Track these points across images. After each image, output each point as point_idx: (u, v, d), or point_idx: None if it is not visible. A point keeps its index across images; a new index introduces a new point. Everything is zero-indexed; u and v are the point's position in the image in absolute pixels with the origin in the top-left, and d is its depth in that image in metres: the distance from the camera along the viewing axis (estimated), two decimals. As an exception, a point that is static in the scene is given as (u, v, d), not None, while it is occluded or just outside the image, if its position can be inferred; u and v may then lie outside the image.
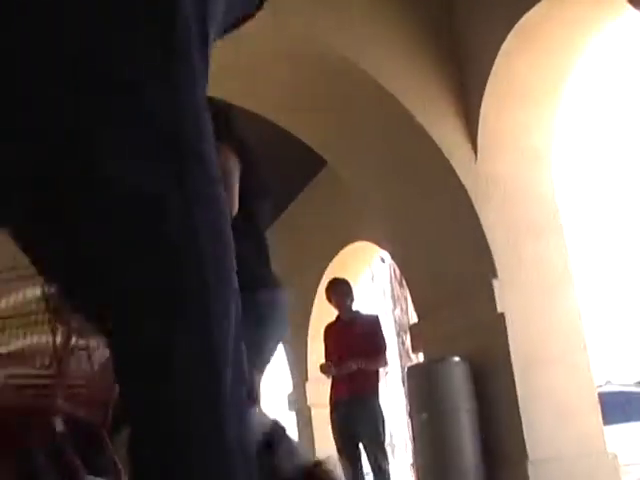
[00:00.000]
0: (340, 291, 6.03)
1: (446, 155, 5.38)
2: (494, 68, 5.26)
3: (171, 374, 0.77)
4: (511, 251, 5.31)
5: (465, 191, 5.35)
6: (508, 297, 5.18)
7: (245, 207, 2.55)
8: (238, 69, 5.60)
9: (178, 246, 0.77)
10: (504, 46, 5.16)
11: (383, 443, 5.79)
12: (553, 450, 4.89)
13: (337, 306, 6.02)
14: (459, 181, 5.36)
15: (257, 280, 2.50)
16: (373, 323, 5.94)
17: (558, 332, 5.23)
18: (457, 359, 5.19)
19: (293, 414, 8.94)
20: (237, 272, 0.88)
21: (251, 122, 7.15)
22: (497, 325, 5.13)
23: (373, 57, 5.38)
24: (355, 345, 5.71)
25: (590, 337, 5.43)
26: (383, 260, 8.65)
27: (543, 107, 5.52)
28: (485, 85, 5.32)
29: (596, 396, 5.23)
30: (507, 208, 5.39)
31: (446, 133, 5.43)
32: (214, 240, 0.81)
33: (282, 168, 8.36)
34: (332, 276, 6.82)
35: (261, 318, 2.45)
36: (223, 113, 2.78)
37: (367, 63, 5.34)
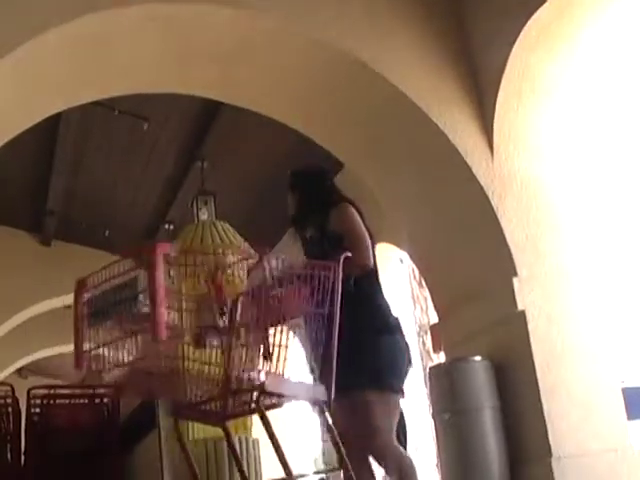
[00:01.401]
0: None
1: (462, 154, 5.38)
2: (508, 65, 5.25)
3: None
4: (530, 248, 5.30)
5: (482, 189, 5.34)
6: (528, 294, 5.16)
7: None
8: (261, 82, 5.65)
9: None
10: (517, 43, 5.16)
11: (404, 447, 5.73)
12: (577, 446, 4.87)
13: None
14: (476, 179, 5.36)
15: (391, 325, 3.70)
16: None
17: (580, 328, 5.21)
18: (478, 358, 5.17)
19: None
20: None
21: (263, 127, 7.21)
22: (518, 323, 5.11)
23: (385, 58, 5.38)
24: None
25: (613, 331, 5.40)
26: (402, 261, 8.62)
27: (558, 103, 5.51)
28: (499, 83, 5.32)
29: (620, 391, 5.21)
30: (525, 205, 5.38)
31: (461, 131, 5.43)
32: None
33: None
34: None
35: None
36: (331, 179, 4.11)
37: (380, 64, 5.34)
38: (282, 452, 2.90)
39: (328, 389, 3.10)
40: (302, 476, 3.10)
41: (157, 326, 2.74)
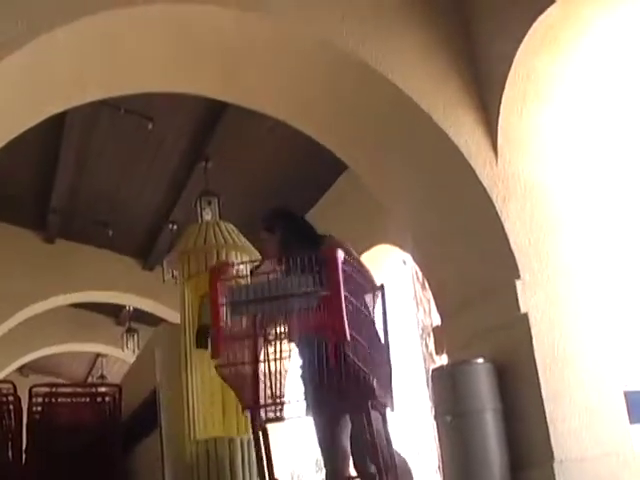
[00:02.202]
0: None
1: (466, 156, 5.38)
2: (512, 69, 5.25)
3: None
4: (533, 251, 5.30)
5: (486, 192, 5.34)
6: (531, 297, 5.16)
7: None
8: (264, 83, 5.66)
9: None
10: (522, 46, 5.15)
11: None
12: (579, 450, 4.86)
13: None
14: (479, 182, 5.35)
15: None
16: None
17: (583, 331, 5.20)
18: (481, 360, 5.17)
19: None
20: None
21: (269, 128, 7.21)
22: (521, 325, 5.10)
23: (390, 60, 5.38)
24: None
25: (616, 335, 5.40)
26: (405, 262, 8.63)
27: (563, 106, 5.50)
28: (504, 85, 5.32)
29: (622, 395, 5.20)
30: (528, 208, 5.37)
31: (466, 134, 5.42)
32: None
33: (303, 173, 8.39)
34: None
35: None
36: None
37: (385, 66, 5.34)
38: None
39: (391, 399, 3.48)
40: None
41: (341, 328, 2.78)
